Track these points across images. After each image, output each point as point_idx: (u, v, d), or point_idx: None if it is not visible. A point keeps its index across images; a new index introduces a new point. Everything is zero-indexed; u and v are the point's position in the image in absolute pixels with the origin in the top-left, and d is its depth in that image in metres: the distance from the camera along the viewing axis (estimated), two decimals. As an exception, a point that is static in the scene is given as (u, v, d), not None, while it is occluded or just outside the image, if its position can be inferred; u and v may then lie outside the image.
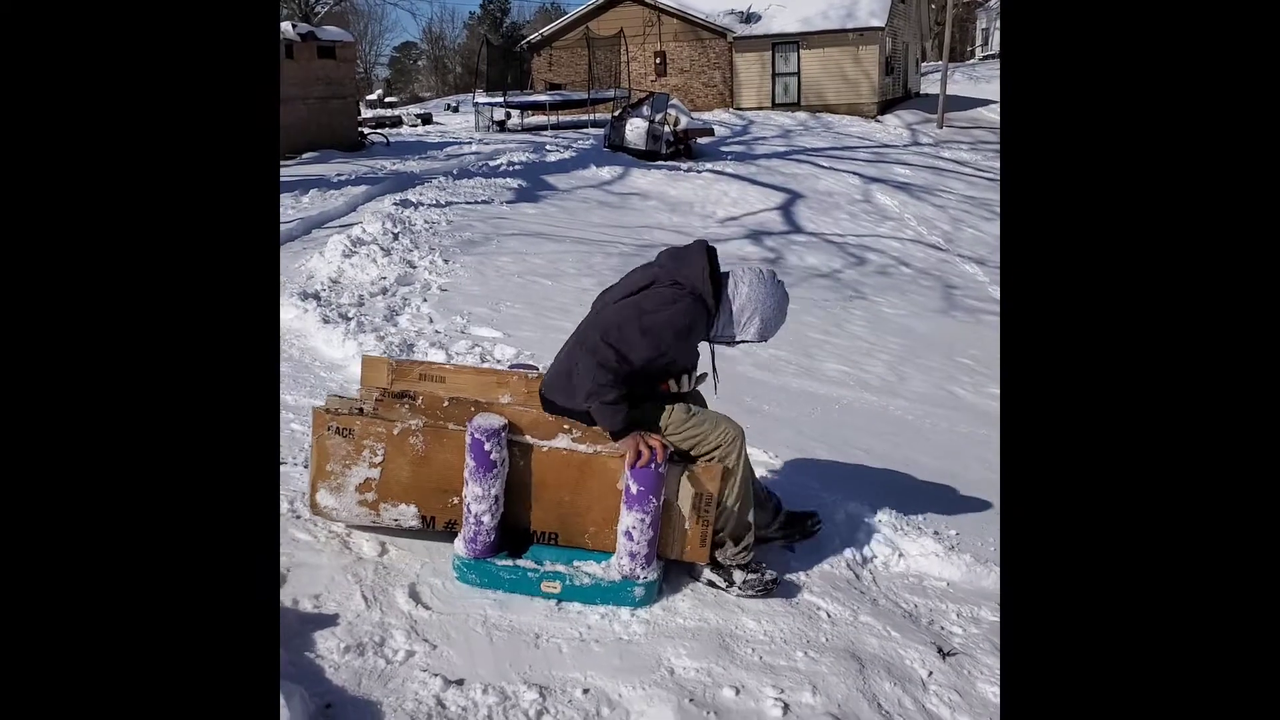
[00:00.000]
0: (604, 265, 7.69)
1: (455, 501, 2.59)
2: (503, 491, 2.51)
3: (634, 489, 2.43)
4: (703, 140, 17.07)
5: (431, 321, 5.46)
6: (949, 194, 14.50)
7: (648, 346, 2.38)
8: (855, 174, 15.29)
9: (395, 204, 9.21)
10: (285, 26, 15.51)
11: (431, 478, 2.61)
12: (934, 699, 2.25)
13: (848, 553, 2.93)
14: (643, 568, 2.48)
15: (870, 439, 4.30)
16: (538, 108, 22.42)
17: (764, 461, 3.69)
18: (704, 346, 2.66)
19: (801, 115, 24.43)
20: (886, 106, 25.67)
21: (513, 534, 2.60)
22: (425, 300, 5.96)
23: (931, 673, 2.35)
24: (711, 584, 2.60)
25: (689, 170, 14.18)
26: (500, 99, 22.16)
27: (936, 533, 3.16)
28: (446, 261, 7.07)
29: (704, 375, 2.71)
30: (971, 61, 43.63)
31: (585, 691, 2.14)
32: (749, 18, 26.09)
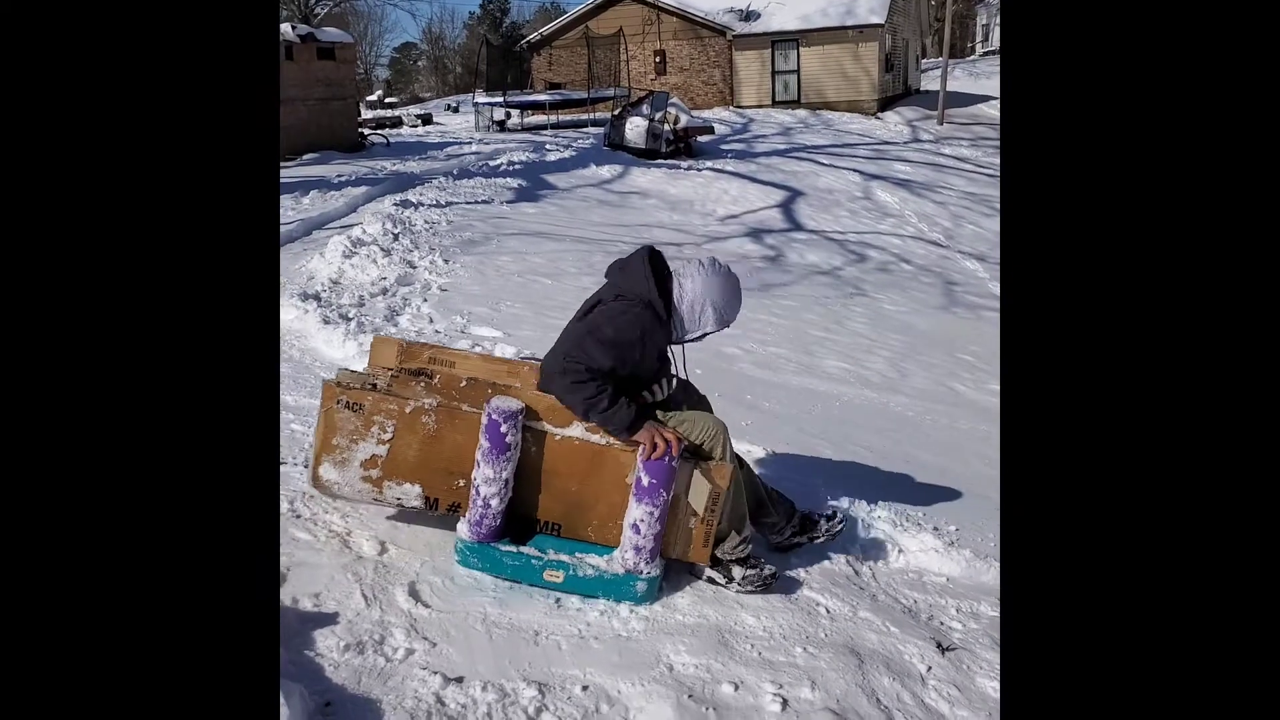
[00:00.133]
0: (604, 264, 7.61)
1: (461, 484, 2.57)
2: (513, 476, 2.50)
3: (645, 481, 2.42)
4: (703, 138, 17.07)
5: (432, 321, 5.47)
6: (949, 190, 14.50)
7: (608, 358, 2.41)
8: (855, 171, 15.29)
9: (395, 204, 9.22)
10: (285, 28, 15.53)
11: (440, 458, 2.58)
12: (933, 694, 2.25)
13: (847, 548, 2.93)
14: (646, 562, 2.48)
15: (871, 436, 4.31)
16: (538, 107, 22.43)
17: (765, 459, 3.69)
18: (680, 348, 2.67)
19: (801, 113, 24.42)
20: (887, 103, 25.65)
21: (516, 522, 2.59)
22: (425, 300, 5.96)
23: (931, 668, 2.35)
24: (711, 580, 2.60)
25: (689, 168, 14.17)
26: (500, 99, 22.18)
27: (936, 528, 3.16)
28: (447, 261, 7.08)
29: (674, 379, 2.73)
30: (972, 58, 43.58)
31: (584, 688, 2.14)
32: (748, 15, 26.07)
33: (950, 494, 3.56)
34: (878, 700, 2.19)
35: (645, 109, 16.38)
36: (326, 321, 5.24)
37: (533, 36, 29.66)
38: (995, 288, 8.57)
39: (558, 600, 2.48)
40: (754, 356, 5.57)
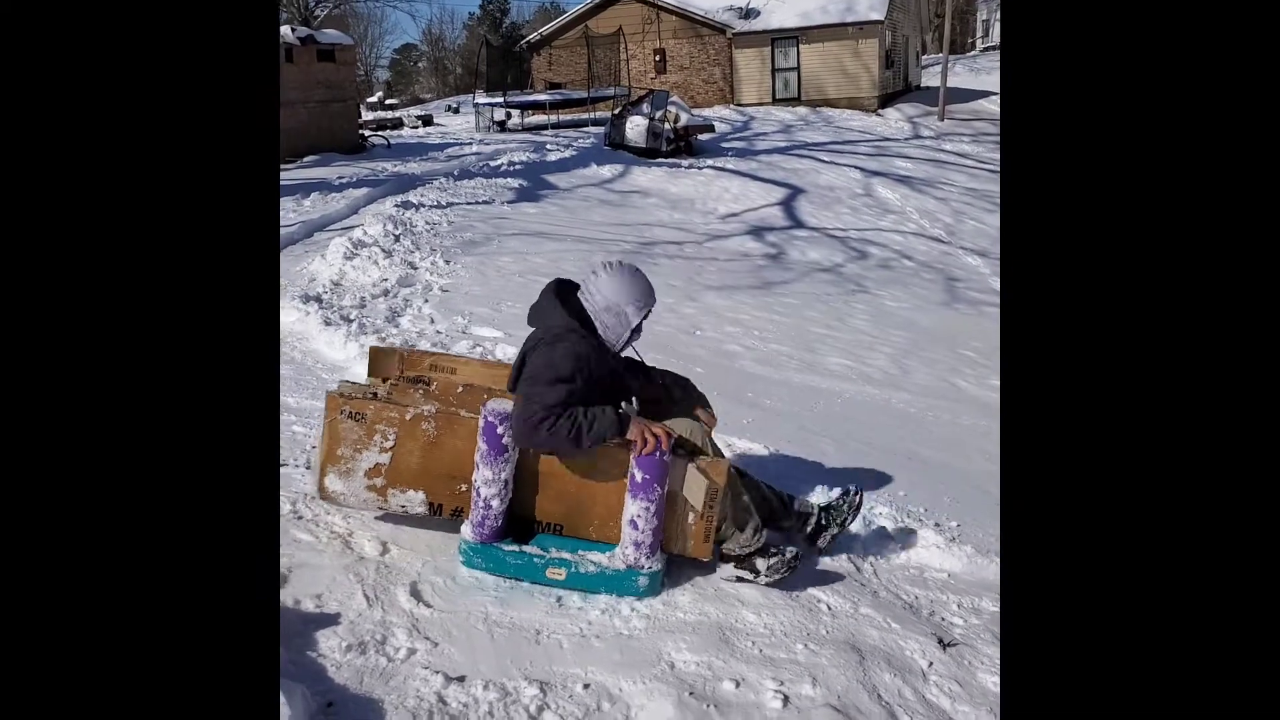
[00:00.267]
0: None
1: (463, 489, 2.60)
2: (512, 476, 2.52)
3: (638, 477, 2.44)
4: (703, 137, 17.06)
5: (433, 322, 5.48)
6: (951, 187, 14.48)
7: (562, 393, 2.43)
8: (856, 168, 15.28)
9: (396, 206, 9.23)
10: (285, 30, 15.55)
11: (441, 463, 2.61)
12: (934, 689, 2.25)
13: (849, 545, 2.93)
14: (647, 557, 2.49)
15: (872, 432, 4.31)
16: (538, 107, 22.43)
17: (767, 456, 3.70)
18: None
19: (802, 110, 24.40)
20: (887, 100, 25.62)
21: (518, 522, 2.62)
22: (426, 301, 5.97)
23: (932, 663, 2.35)
24: (741, 579, 2.59)
25: (690, 167, 14.17)
26: (500, 99, 22.18)
27: (938, 524, 3.16)
28: (448, 262, 7.09)
29: (641, 381, 2.76)
30: (972, 53, 43.51)
31: (586, 686, 2.14)
32: (748, 13, 26.05)
33: (952, 490, 3.56)
34: (879, 696, 2.19)
35: (645, 108, 16.38)
36: (328, 323, 5.25)
37: (532, 36, 29.66)
38: (997, 283, 8.56)
39: (559, 599, 2.49)
40: (755, 354, 5.58)
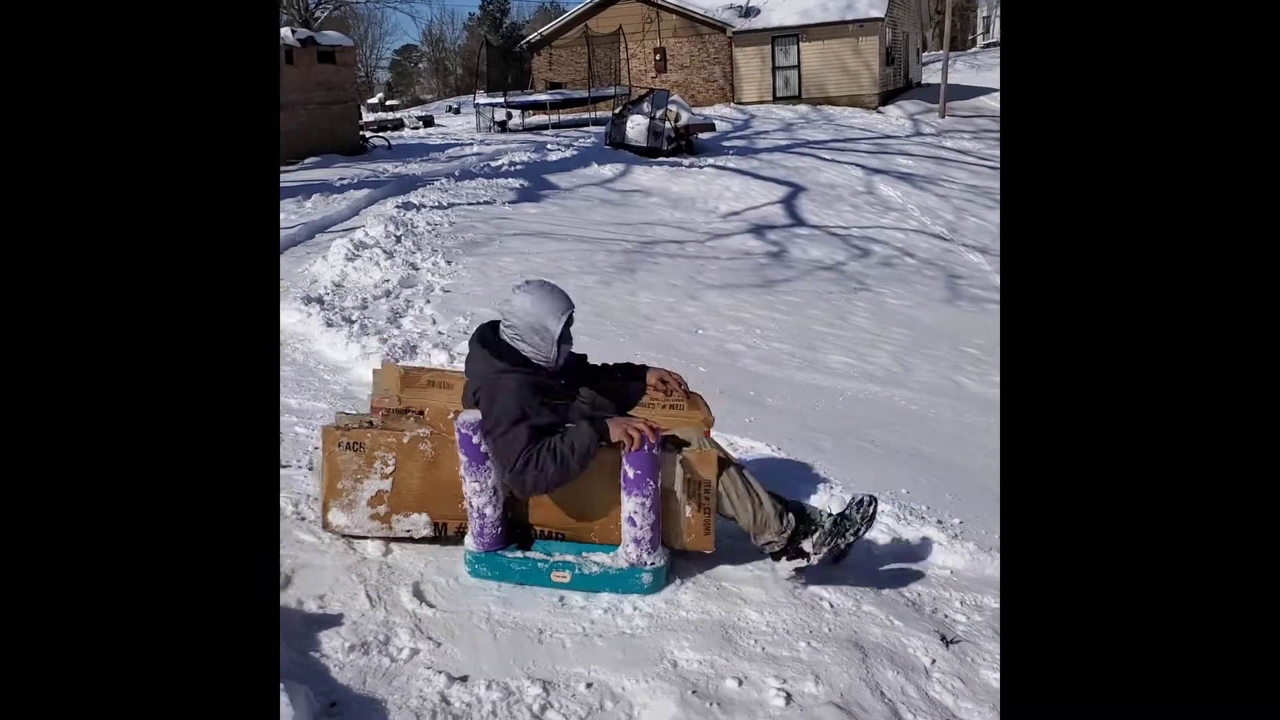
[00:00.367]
0: (606, 263, 7.71)
1: (465, 507, 2.62)
2: (500, 483, 2.54)
3: (630, 474, 2.45)
4: (704, 135, 17.06)
5: (434, 323, 5.49)
6: (952, 184, 14.47)
7: (524, 433, 2.43)
8: (858, 166, 15.27)
9: (397, 207, 9.24)
10: (285, 32, 15.56)
11: (441, 484, 2.64)
12: (937, 686, 2.25)
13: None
14: (649, 553, 2.50)
15: (874, 430, 4.31)
16: (538, 107, 22.43)
17: (769, 455, 3.70)
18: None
19: (803, 108, 24.38)
20: (888, 97, 25.59)
21: (522, 530, 2.63)
22: (428, 302, 5.98)
23: (935, 660, 2.35)
24: (798, 570, 2.55)
25: (691, 166, 14.17)
26: (501, 99, 22.18)
27: (940, 521, 3.16)
28: (449, 263, 7.10)
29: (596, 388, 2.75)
30: (973, 50, 43.45)
31: (589, 685, 2.15)
32: (748, 12, 26.03)
33: (954, 487, 3.56)
34: (882, 694, 2.19)
35: (646, 107, 16.37)
36: (330, 324, 5.26)
37: (533, 36, 29.65)
38: (998, 280, 8.55)
39: (561, 599, 2.49)
40: (758, 352, 5.58)
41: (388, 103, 33.92)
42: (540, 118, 22.26)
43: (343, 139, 16.11)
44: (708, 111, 21.95)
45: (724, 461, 2.56)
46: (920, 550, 2.99)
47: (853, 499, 2.72)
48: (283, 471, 3.23)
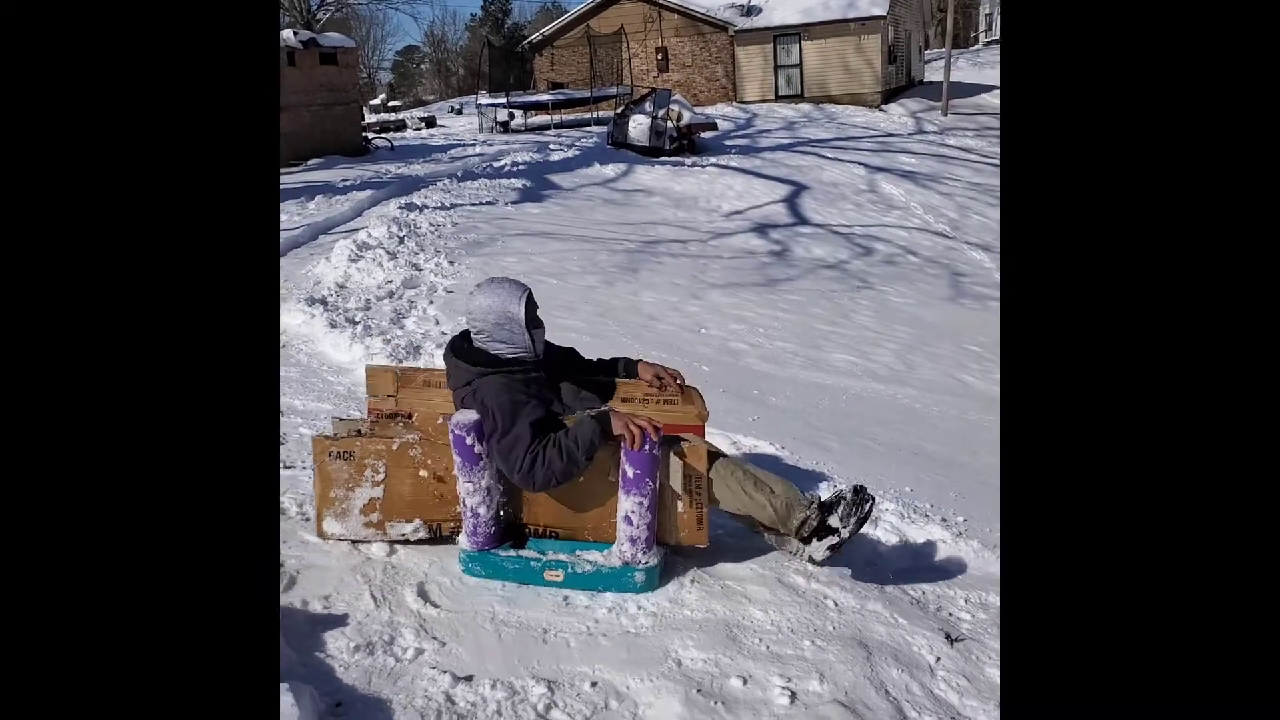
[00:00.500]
0: (609, 262, 7.71)
1: (459, 509, 2.63)
2: (494, 482, 2.54)
3: (630, 473, 2.45)
4: (706, 135, 17.05)
5: (438, 323, 5.49)
6: (955, 181, 14.45)
7: (527, 428, 2.43)
8: (860, 164, 15.25)
9: (400, 208, 9.25)
10: (287, 34, 15.57)
11: (433, 487, 2.64)
12: (942, 684, 2.25)
13: (854, 541, 2.92)
14: (643, 552, 2.50)
15: (878, 428, 4.30)
16: (540, 107, 22.43)
17: (773, 454, 3.70)
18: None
19: (805, 107, 24.36)
20: (890, 95, 25.56)
21: (517, 529, 2.64)
22: (431, 302, 5.99)
23: (940, 658, 2.35)
24: (832, 549, 2.54)
25: (693, 165, 14.16)
26: (503, 100, 22.18)
27: (944, 519, 3.16)
28: (452, 263, 7.10)
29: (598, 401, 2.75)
30: (975, 47, 43.39)
31: (593, 685, 2.15)
32: (750, 10, 26.02)
33: (958, 485, 3.56)
34: (886, 692, 2.19)
35: (648, 106, 16.36)
36: (333, 325, 5.27)
37: (534, 37, 29.67)
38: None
39: (565, 598, 2.50)
40: (761, 351, 5.58)
41: (390, 104, 33.95)
42: (542, 118, 22.26)
43: (345, 140, 16.12)
44: (710, 111, 21.94)
45: (724, 457, 2.56)
46: (924, 548, 2.99)
47: (850, 488, 2.70)
48: (287, 473, 3.24)
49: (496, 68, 26.47)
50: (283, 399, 4.07)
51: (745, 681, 2.18)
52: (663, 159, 14.82)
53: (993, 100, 24.72)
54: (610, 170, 13.22)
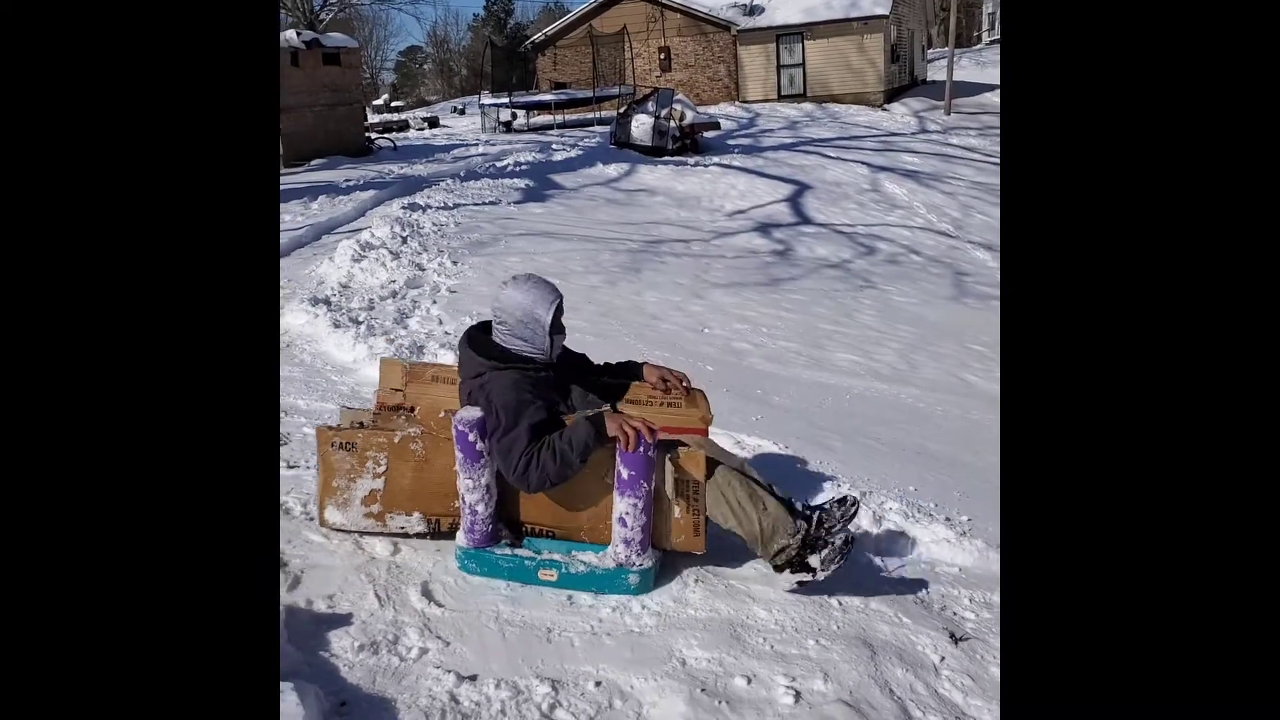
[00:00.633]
0: (612, 262, 7.70)
1: (457, 505, 2.63)
2: (494, 481, 2.55)
3: (624, 474, 2.44)
4: (709, 134, 17.04)
5: (441, 323, 5.49)
6: (958, 180, 14.43)
7: (525, 431, 2.43)
8: (863, 163, 15.24)
9: (403, 208, 9.25)
10: (290, 35, 15.58)
11: (433, 482, 2.65)
12: (946, 684, 2.25)
13: (858, 540, 2.92)
14: (637, 554, 2.50)
15: (881, 428, 4.30)
16: (543, 107, 22.44)
17: (776, 453, 3.69)
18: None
19: (808, 106, 24.34)
20: (893, 95, 25.53)
21: (513, 527, 2.64)
22: (435, 302, 5.99)
23: (944, 658, 2.35)
24: (801, 583, 2.50)
25: (696, 165, 14.16)
26: (506, 100, 22.19)
27: (948, 519, 3.16)
28: (455, 263, 7.10)
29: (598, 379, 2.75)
30: (978, 46, 43.34)
31: (597, 684, 2.15)
32: (752, 10, 26.01)
33: (962, 484, 3.56)
34: (891, 691, 2.19)
35: (651, 106, 16.36)
36: (337, 325, 5.27)
37: (537, 37, 29.67)
38: (1005, 277, 8.51)
39: (570, 597, 2.50)
40: (764, 351, 5.57)
41: (393, 104, 33.94)
42: (545, 118, 22.27)
43: (348, 140, 16.13)
44: (713, 110, 21.94)
45: (724, 466, 2.55)
46: (929, 548, 2.98)
47: (836, 498, 2.68)
48: (292, 472, 3.24)
49: (499, 68, 26.48)
50: (286, 399, 4.08)
51: (749, 681, 2.18)
52: (665, 159, 14.82)
53: (996, 99, 24.67)
54: (613, 170, 13.22)
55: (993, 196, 13.01)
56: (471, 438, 2.49)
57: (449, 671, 2.16)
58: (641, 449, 2.41)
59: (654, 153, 15.22)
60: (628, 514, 2.47)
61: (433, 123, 25.62)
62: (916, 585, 2.75)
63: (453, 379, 2.85)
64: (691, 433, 2.79)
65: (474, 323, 2.80)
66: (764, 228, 10.36)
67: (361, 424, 2.79)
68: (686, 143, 15.81)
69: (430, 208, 9.47)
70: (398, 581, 2.54)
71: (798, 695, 2.13)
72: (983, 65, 32.47)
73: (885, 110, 23.95)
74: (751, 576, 2.63)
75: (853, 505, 2.60)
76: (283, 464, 3.31)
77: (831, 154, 16.06)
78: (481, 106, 22.71)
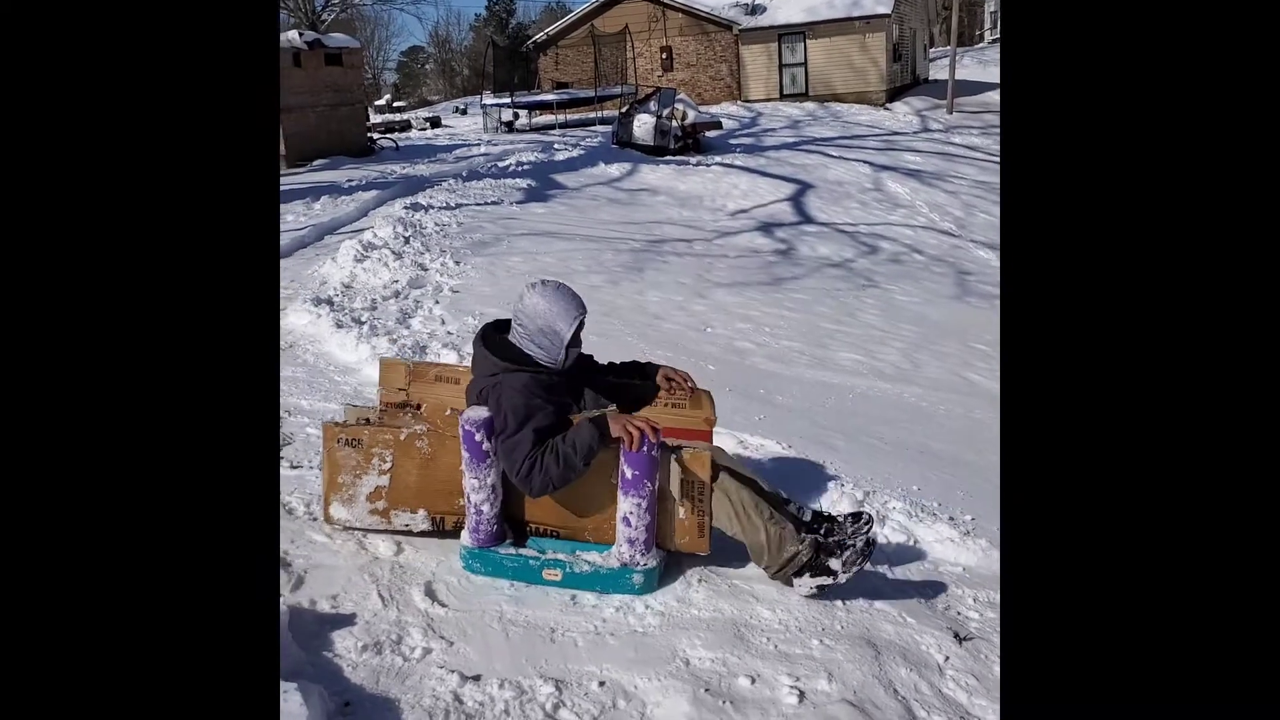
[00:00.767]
0: (614, 262, 7.70)
1: (461, 503, 2.63)
2: (500, 481, 2.55)
3: (628, 474, 2.44)
4: (711, 134, 17.04)
5: (444, 323, 5.49)
6: (960, 179, 14.42)
7: (530, 436, 2.43)
8: (865, 162, 15.23)
9: (406, 208, 9.26)
10: (292, 35, 15.58)
11: (438, 479, 2.66)
12: (950, 683, 2.24)
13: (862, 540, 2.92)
14: (641, 554, 2.50)
15: (884, 427, 4.30)
16: (545, 107, 22.45)
17: (779, 453, 3.69)
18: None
19: (810, 105, 24.34)
20: (895, 94, 25.52)
21: (517, 526, 2.64)
22: (437, 302, 5.99)
23: (948, 657, 2.34)
24: (821, 588, 2.49)
25: (698, 164, 14.16)
26: (508, 100, 22.20)
27: (952, 518, 3.15)
28: (458, 263, 7.11)
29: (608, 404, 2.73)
30: (980, 45, 43.29)
31: (601, 684, 2.15)
32: (754, 9, 26.01)
33: (965, 483, 3.55)
34: (895, 691, 2.18)
35: (653, 106, 16.37)
36: (339, 326, 5.27)
37: (539, 37, 29.69)
38: (1008, 276, 8.51)
39: (573, 597, 2.49)
40: (766, 350, 5.57)
41: (395, 104, 34.00)
42: (547, 118, 22.28)
43: (350, 141, 16.14)
44: (715, 110, 21.93)
45: (730, 472, 2.55)
46: (932, 547, 2.98)
47: (850, 514, 2.69)
48: (295, 472, 3.25)
49: (501, 68, 26.52)
50: (289, 399, 4.08)
51: (753, 680, 2.17)
52: (667, 158, 14.82)
53: (998, 98, 24.65)
54: (615, 169, 13.22)
55: (995, 195, 12.99)
56: (478, 438, 2.49)
57: (453, 671, 2.16)
58: (645, 449, 2.41)
59: (656, 152, 15.22)
60: (631, 513, 2.47)
61: (435, 123, 25.65)
62: (920, 585, 2.75)
63: (456, 379, 2.85)
64: (695, 435, 2.79)
65: (484, 321, 2.80)
66: (766, 227, 10.35)
67: (368, 420, 2.80)
68: (688, 142, 15.81)
69: (433, 208, 9.47)
70: (401, 581, 2.53)
71: (802, 695, 2.13)
72: (985, 64, 32.42)
73: (887, 109, 23.94)
74: (755, 576, 2.63)
75: (867, 523, 2.61)
76: (286, 464, 3.32)
77: (834, 153, 16.05)
78: (483, 106, 22.73)
